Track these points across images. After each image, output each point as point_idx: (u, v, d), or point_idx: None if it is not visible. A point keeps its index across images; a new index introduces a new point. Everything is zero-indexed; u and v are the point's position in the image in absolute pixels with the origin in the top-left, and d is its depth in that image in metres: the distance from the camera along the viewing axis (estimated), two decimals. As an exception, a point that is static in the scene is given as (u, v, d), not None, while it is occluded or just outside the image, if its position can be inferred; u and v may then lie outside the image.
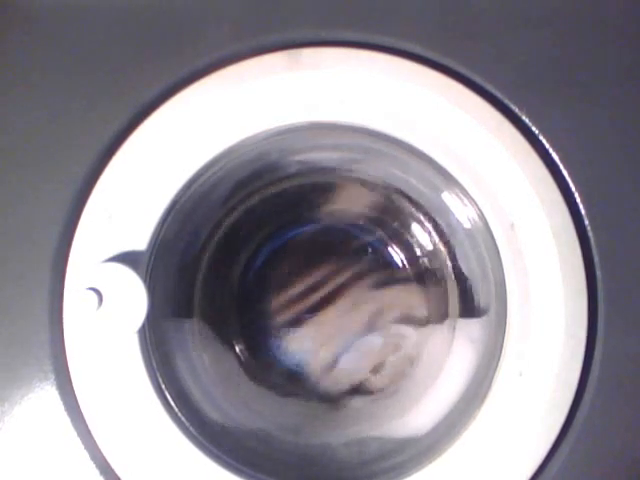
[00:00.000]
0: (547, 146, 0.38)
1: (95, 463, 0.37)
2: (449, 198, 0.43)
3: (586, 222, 0.38)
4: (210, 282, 0.52)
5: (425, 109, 0.38)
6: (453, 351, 0.48)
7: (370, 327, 0.54)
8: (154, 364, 0.38)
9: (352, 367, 0.53)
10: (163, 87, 0.39)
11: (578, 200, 0.38)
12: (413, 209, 0.52)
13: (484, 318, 0.44)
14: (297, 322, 0.58)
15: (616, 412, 0.37)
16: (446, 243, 0.51)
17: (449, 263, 0.52)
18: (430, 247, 0.54)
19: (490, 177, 0.38)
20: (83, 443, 0.37)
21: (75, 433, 0.37)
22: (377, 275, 0.56)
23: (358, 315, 0.54)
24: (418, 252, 0.55)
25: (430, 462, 0.37)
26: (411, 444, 0.42)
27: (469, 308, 0.48)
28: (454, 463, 0.37)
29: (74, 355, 0.38)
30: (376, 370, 0.53)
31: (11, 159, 0.39)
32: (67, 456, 0.37)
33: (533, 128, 0.39)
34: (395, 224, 0.55)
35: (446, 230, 0.49)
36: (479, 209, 0.39)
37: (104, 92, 0.39)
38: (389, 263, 0.56)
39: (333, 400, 0.50)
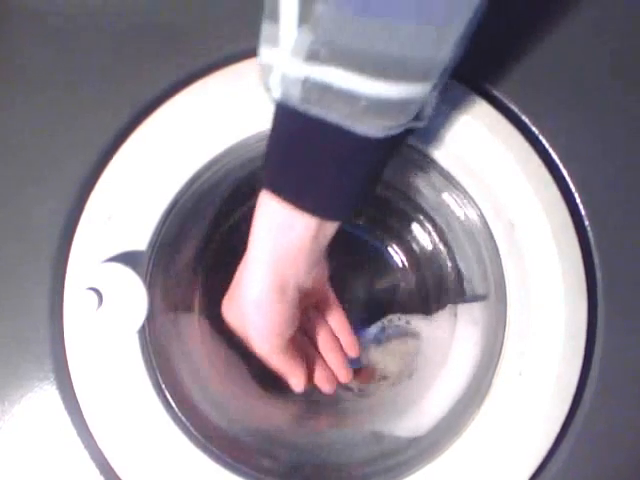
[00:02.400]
0: (547, 146, 0.39)
1: (95, 463, 0.37)
2: (449, 198, 0.43)
3: (586, 222, 0.38)
4: (210, 282, 0.52)
5: (425, 109, 0.38)
6: (456, 338, 0.48)
7: (370, 325, 0.54)
8: (154, 364, 0.38)
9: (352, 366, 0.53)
10: (163, 87, 0.39)
11: (578, 200, 0.38)
12: (413, 209, 0.52)
13: (484, 303, 0.44)
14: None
15: (616, 412, 0.37)
16: (446, 243, 0.51)
17: (449, 263, 0.52)
18: (430, 247, 0.54)
19: (490, 177, 0.38)
20: (83, 443, 0.37)
21: (75, 433, 0.37)
22: (377, 274, 0.56)
23: (359, 313, 0.54)
24: (418, 252, 0.55)
25: (430, 462, 0.37)
26: (411, 444, 0.42)
27: (469, 302, 0.48)
28: (454, 462, 0.37)
29: (74, 355, 0.38)
30: (377, 368, 0.53)
31: (11, 159, 0.39)
32: (67, 456, 0.37)
33: (533, 128, 0.39)
34: (395, 224, 0.55)
35: (446, 230, 0.49)
36: (479, 209, 0.39)
37: (104, 92, 0.39)
38: (389, 263, 0.56)
39: (333, 399, 0.50)
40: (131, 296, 0.35)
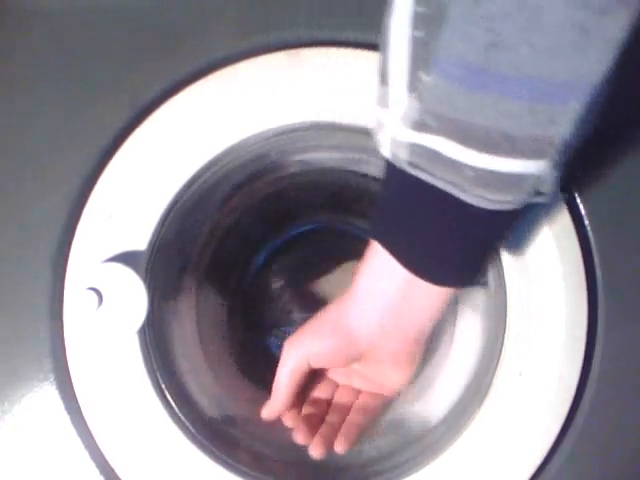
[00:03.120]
0: (547, 146, 0.38)
1: (95, 463, 0.37)
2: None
3: (586, 222, 0.38)
4: (210, 282, 0.52)
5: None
6: (458, 328, 0.48)
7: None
8: (154, 364, 0.38)
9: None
10: (163, 87, 0.39)
11: (578, 200, 0.38)
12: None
13: (484, 300, 0.44)
14: (297, 322, 0.58)
15: (616, 412, 0.37)
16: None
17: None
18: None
19: (490, 177, 0.38)
20: (83, 443, 0.37)
21: (75, 433, 0.37)
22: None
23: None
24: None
25: (430, 462, 0.37)
26: (412, 443, 0.42)
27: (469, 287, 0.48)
28: (454, 462, 0.37)
29: (74, 355, 0.38)
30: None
31: (12, 159, 0.39)
32: (67, 456, 0.37)
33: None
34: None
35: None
36: (479, 209, 0.39)
37: (104, 92, 0.39)
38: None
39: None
40: (131, 296, 0.35)
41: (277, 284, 0.59)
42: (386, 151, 0.29)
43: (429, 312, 0.34)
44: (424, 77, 0.25)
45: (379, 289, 0.34)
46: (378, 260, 0.33)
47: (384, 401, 0.41)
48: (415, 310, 0.34)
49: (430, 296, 0.33)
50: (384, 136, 0.29)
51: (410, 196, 0.30)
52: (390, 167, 0.30)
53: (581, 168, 0.38)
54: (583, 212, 0.38)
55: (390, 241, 0.32)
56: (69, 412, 0.37)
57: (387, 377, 0.38)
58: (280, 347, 0.57)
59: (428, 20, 0.24)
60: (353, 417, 0.40)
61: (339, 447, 0.38)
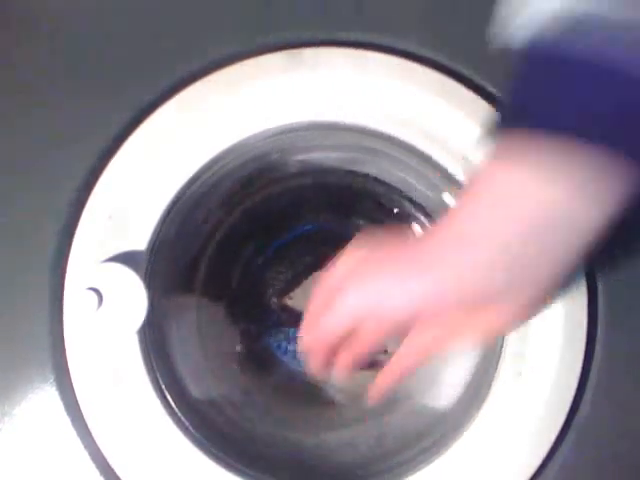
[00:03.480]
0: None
1: (95, 463, 0.37)
2: (449, 198, 0.43)
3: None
4: (210, 282, 0.52)
5: (424, 109, 0.38)
6: None
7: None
8: (154, 364, 0.38)
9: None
10: (163, 87, 0.39)
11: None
12: (413, 209, 0.52)
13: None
14: (297, 322, 0.58)
15: (616, 412, 0.37)
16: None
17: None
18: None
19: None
20: (83, 443, 0.37)
21: (75, 433, 0.37)
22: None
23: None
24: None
25: (430, 462, 0.37)
26: (412, 443, 0.42)
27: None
28: (454, 463, 0.37)
29: (74, 355, 0.38)
30: (377, 369, 0.53)
31: (11, 159, 0.39)
32: (67, 456, 0.37)
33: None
34: (395, 224, 0.55)
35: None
36: (479, 209, 0.39)
37: (104, 92, 0.39)
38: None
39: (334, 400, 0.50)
40: (131, 296, 0.35)
41: (277, 284, 0.59)
42: (531, 28, 0.24)
43: (563, 255, 0.24)
44: None
45: (492, 224, 0.24)
46: (497, 182, 0.24)
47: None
48: (545, 255, 0.24)
49: (576, 222, 0.24)
50: (531, 12, 0.24)
51: (559, 75, 0.24)
52: (531, 49, 0.25)
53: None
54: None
55: (539, 118, 0.24)
56: (69, 412, 0.37)
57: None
58: (280, 347, 0.57)
59: None
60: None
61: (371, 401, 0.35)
